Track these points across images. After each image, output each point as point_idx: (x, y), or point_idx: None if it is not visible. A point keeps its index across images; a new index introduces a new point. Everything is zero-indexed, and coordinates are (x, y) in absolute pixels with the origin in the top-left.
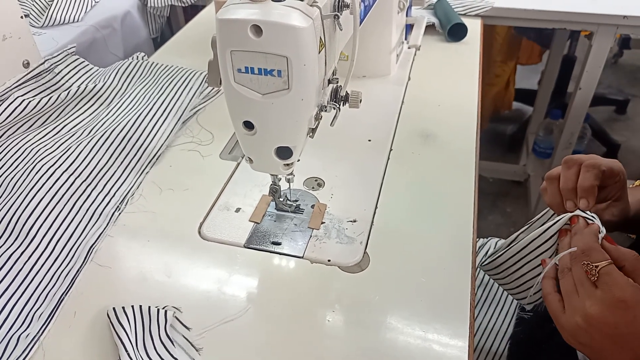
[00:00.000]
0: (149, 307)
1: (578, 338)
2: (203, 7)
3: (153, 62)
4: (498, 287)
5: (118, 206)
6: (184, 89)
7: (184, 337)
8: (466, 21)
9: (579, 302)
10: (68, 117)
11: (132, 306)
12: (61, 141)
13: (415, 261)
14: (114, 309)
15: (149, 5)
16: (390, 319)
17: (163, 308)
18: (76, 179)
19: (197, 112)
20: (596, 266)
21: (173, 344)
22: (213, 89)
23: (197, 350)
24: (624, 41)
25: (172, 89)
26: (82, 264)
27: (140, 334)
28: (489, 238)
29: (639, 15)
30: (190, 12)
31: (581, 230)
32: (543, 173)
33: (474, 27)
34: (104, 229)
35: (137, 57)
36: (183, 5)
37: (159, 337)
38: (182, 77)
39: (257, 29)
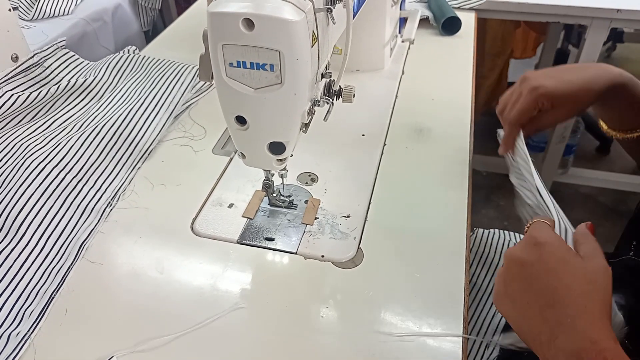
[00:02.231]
0: None
1: (498, 289)
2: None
3: (144, 56)
4: (491, 281)
5: (109, 202)
6: (175, 83)
7: None
8: (460, 15)
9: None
10: (58, 112)
11: None
12: (51, 136)
13: (409, 256)
14: None
15: None
16: (384, 315)
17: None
18: (67, 174)
19: (190, 106)
20: (529, 224)
21: None
22: (205, 83)
23: None
24: (617, 35)
25: (163, 83)
26: (73, 261)
27: None
28: (476, 229)
29: (633, 9)
30: (184, 4)
31: None
32: (537, 166)
33: (468, 21)
34: (95, 225)
35: (129, 50)
36: None
37: None
38: (173, 71)
39: (249, 23)
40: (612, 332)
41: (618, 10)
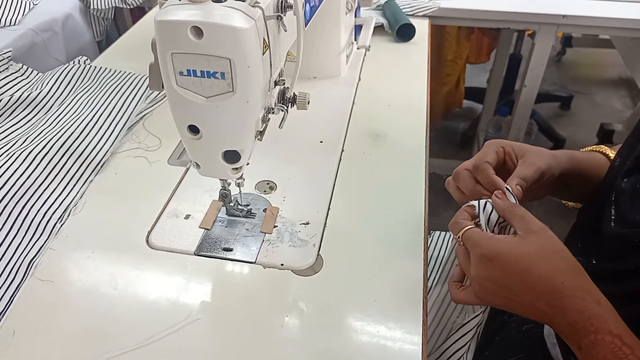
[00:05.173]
0: None
1: (489, 300)
2: (151, 8)
3: (96, 67)
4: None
5: (60, 218)
6: (129, 94)
7: None
8: (414, 21)
9: (468, 272)
10: (0, 128)
11: None
12: None
13: (368, 261)
14: None
15: (91, 7)
16: (345, 320)
17: None
18: (8, 191)
19: (144, 117)
20: (458, 237)
21: None
22: (160, 93)
23: None
24: (567, 40)
25: (116, 94)
26: (21, 280)
27: None
28: (432, 232)
29: (577, 14)
30: (138, 13)
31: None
32: None
33: (422, 28)
34: (45, 241)
35: (79, 61)
36: (128, 7)
37: None
38: (126, 81)
39: (198, 31)
40: (593, 289)
41: (564, 16)
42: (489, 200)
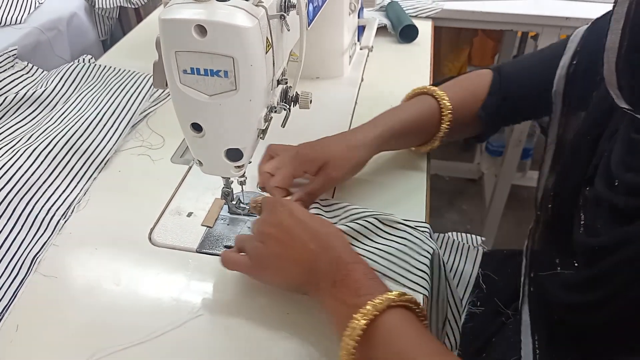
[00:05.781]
0: None
1: (265, 251)
2: (155, 8)
3: (100, 65)
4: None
5: (64, 214)
6: (133, 92)
7: None
8: (417, 23)
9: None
10: (6, 124)
11: None
12: None
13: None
14: None
15: (96, 6)
16: None
17: None
18: (14, 186)
19: (147, 115)
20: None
21: None
22: (164, 91)
23: None
24: None
25: (120, 92)
26: (25, 275)
27: None
28: (435, 234)
29: (580, 17)
30: (143, 13)
31: None
32: (496, 170)
33: (425, 29)
34: (49, 237)
35: (84, 60)
36: (133, 6)
37: None
38: (130, 79)
39: (202, 29)
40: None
41: (567, 18)
42: None
